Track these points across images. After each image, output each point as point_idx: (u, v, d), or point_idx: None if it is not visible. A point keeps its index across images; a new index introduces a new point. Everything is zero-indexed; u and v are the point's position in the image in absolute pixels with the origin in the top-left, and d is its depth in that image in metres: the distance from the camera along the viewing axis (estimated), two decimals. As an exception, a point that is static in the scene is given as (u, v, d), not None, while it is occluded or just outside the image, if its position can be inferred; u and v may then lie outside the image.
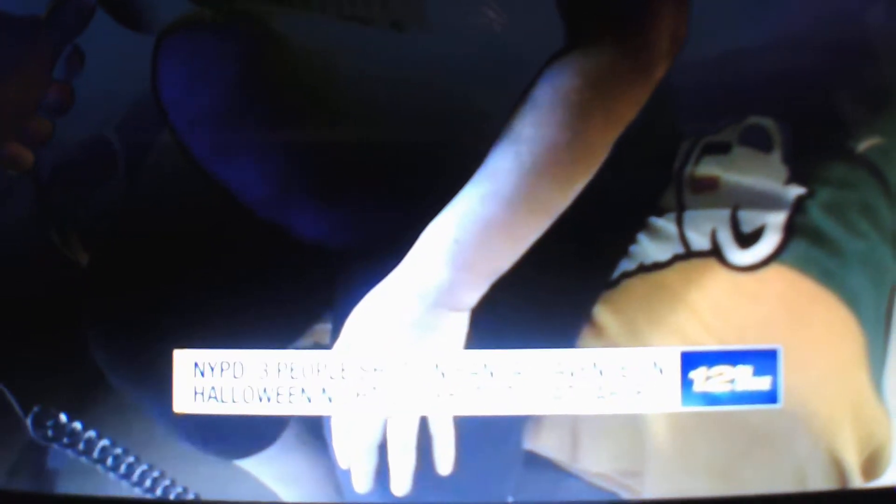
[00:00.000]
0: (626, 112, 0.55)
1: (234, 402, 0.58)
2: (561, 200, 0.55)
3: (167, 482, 0.61)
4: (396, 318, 0.56)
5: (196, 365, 0.58)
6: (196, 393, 0.58)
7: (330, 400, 0.57)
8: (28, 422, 0.60)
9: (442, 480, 0.58)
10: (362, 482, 0.56)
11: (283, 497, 0.66)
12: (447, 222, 0.56)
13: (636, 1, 0.55)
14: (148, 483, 0.61)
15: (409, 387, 0.57)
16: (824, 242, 0.60)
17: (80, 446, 0.60)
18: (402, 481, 0.56)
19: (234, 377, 0.58)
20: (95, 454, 0.60)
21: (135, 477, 0.61)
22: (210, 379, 0.58)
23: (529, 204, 0.55)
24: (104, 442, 0.60)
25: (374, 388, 0.57)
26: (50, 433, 0.61)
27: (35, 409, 0.60)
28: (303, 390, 0.58)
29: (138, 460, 0.61)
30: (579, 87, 0.54)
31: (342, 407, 0.57)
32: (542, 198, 0.55)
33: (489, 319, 0.58)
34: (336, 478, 0.60)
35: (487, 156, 0.56)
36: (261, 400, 0.58)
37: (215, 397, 0.58)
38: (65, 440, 0.60)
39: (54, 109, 0.61)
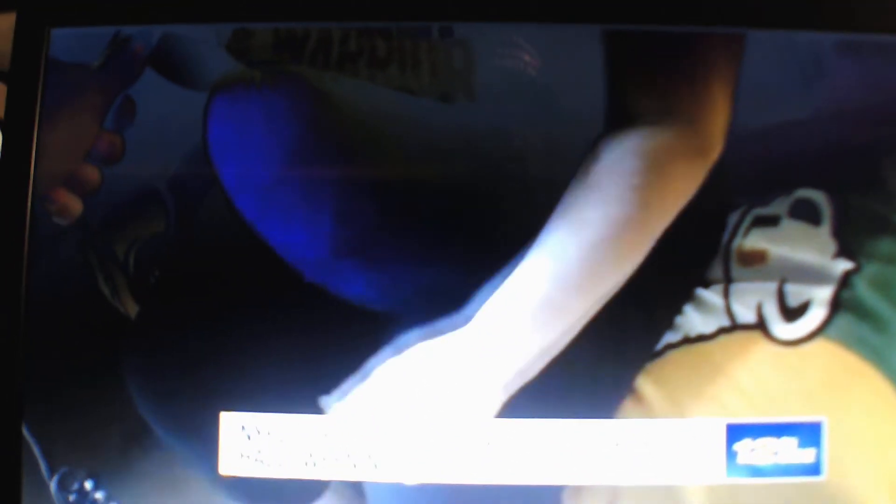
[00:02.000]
0: (684, 193, 0.55)
1: (279, 465, 0.59)
2: (617, 281, 0.56)
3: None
4: (434, 380, 0.57)
5: (243, 428, 0.59)
6: (242, 456, 0.59)
7: (375, 466, 0.58)
8: (53, 482, 0.61)
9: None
10: None
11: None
12: (504, 300, 0.56)
13: (693, 85, 0.55)
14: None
15: (449, 453, 0.58)
16: (870, 318, 0.60)
17: (99, 519, 0.61)
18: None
19: (281, 441, 0.59)
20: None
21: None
22: (257, 442, 0.59)
23: (586, 286, 0.55)
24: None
25: (416, 453, 0.58)
26: (73, 497, 0.61)
27: (62, 469, 0.61)
28: (348, 455, 0.58)
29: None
30: (640, 168, 0.54)
31: (387, 474, 0.58)
32: (598, 280, 0.55)
33: (530, 386, 0.59)
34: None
35: (542, 232, 0.56)
36: (306, 465, 0.59)
37: (261, 461, 0.59)
38: (84, 508, 0.61)
39: (104, 159, 0.62)
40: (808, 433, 0.59)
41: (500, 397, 0.57)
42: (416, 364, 0.58)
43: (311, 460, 0.59)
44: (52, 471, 0.60)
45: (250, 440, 0.59)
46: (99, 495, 0.60)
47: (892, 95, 0.62)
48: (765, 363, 0.60)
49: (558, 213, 0.55)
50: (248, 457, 0.59)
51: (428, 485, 0.59)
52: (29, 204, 0.61)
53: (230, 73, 0.61)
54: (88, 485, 0.61)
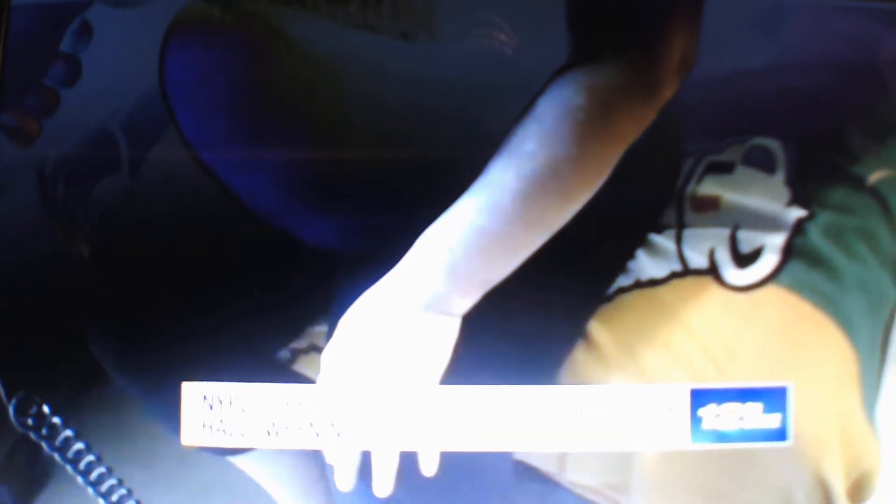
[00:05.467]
0: (630, 131, 0.55)
1: (242, 435, 0.58)
2: (559, 217, 0.55)
3: (132, 502, 0.62)
4: (387, 322, 0.57)
5: (205, 398, 0.59)
6: (204, 426, 0.58)
7: (338, 434, 0.58)
8: (11, 406, 0.61)
9: (428, 483, 0.58)
10: (345, 480, 0.57)
11: (277, 497, 0.66)
12: (442, 231, 0.56)
13: (645, 21, 0.55)
14: (115, 497, 0.61)
15: (403, 415, 0.58)
16: (822, 265, 0.60)
17: (57, 442, 0.60)
18: (385, 482, 0.57)
19: (243, 410, 0.58)
20: (70, 454, 0.60)
21: (103, 488, 0.60)
22: (218, 412, 0.58)
23: (526, 218, 0.55)
24: (79, 444, 0.60)
25: (371, 417, 0.58)
26: (30, 421, 0.60)
27: (20, 394, 0.61)
28: (311, 424, 0.58)
29: (110, 472, 0.61)
30: (583, 104, 0.54)
31: (350, 442, 0.57)
32: (539, 213, 0.55)
33: (485, 329, 0.59)
34: (327, 477, 0.60)
35: (486, 167, 0.56)
36: (269, 434, 0.58)
37: (223, 430, 0.58)
38: (43, 431, 0.60)
39: (61, 81, 0.62)
40: (774, 398, 0.59)
41: (450, 328, 0.57)
42: (362, 303, 0.58)
43: (274, 430, 0.59)
44: (8, 394, 0.60)
45: (212, 410, 0.59)
46: (56, 420, 0.61)
47: (853, 50, 0.62)
48: (716, 308, 0.60)
49: (502, 147, 0.55)
50: (211, 427, 0.59)
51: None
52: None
53: (189, 8, 0.60)
54: (46, 409, 0.61)
